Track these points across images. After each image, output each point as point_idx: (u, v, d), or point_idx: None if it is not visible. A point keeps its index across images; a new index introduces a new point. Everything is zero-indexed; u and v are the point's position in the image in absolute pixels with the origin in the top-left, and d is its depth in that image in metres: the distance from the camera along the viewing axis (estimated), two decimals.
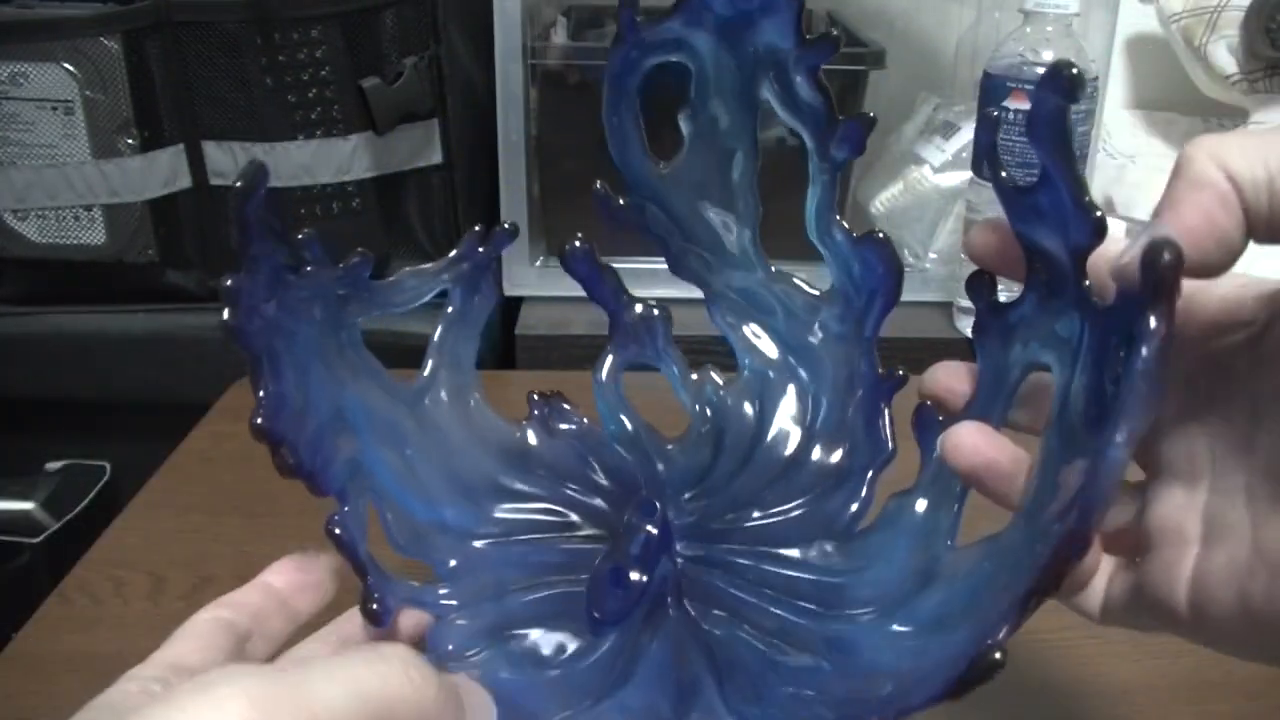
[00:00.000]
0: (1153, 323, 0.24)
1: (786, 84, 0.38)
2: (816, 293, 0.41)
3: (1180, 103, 1.26)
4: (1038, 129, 0.29)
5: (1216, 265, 0.25)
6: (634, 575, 0.34)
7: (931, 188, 0.97)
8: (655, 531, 0.35)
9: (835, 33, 0.37)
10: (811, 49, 0.37)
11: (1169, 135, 1.24)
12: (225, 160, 0.86)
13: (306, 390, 0.31)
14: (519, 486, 0.39)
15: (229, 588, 0.51)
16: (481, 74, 0.93)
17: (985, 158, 0.33)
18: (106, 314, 0.91)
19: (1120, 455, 0.24)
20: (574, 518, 0.39)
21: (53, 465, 0.94)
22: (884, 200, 1.00)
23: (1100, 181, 1.13)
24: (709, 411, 0.42)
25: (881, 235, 0.39)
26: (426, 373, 0.39)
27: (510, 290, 0.88)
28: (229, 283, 0.30)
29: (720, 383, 0.43)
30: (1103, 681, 0.46)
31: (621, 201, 0.41)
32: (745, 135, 0.40)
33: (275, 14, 0.81)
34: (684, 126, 0.41)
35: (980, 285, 0.35)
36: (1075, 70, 0.27)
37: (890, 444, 0.40)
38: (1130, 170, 1.16)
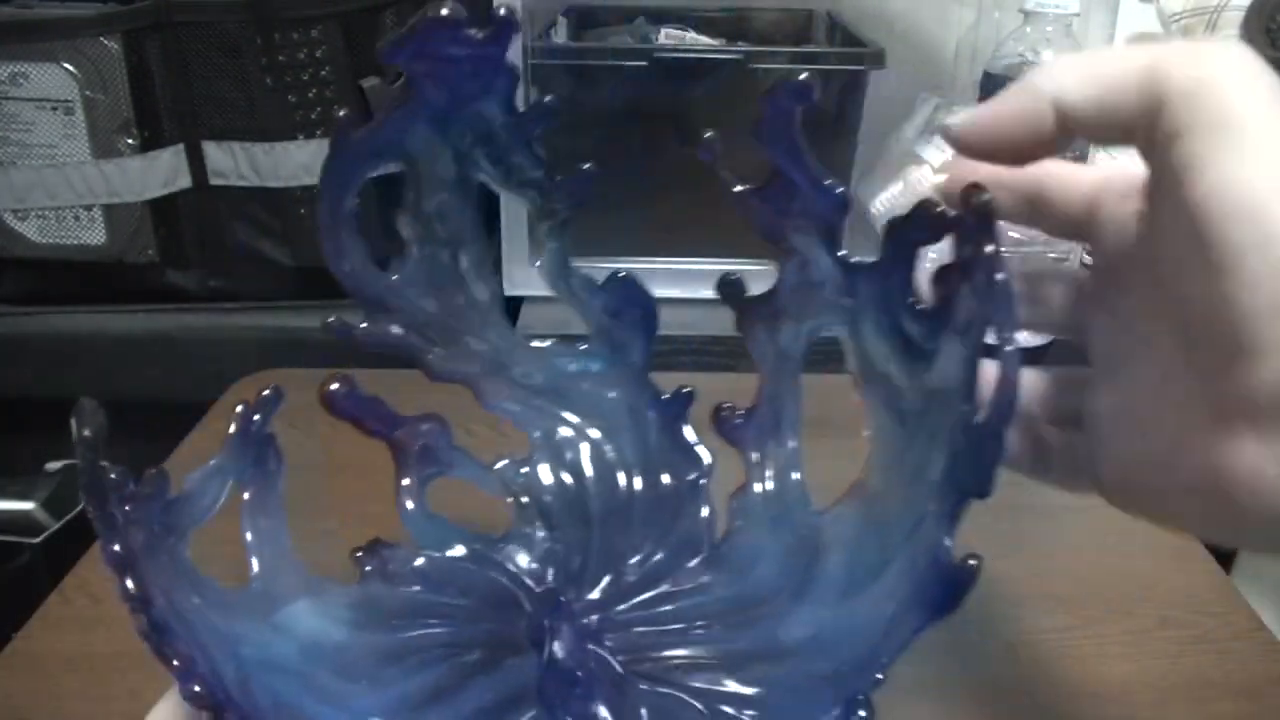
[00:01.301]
0: (988, 246, 0.27)
1: (502, 160, 0.38)
2: (578, 346, 0.42)
3: None
4: (768, 134, 0.33)
5: (1024, 144, 0.27)
6: (579, 673, 0.34)
7: (931, 188, 0.96)
8: (570, 628, 0.35)
9: (549, 99, 0.38)
10: (528, 118, 0.37)
11: None
12: (225, 160, 0.86)
13: (214, 665, 0.28)
14: (403, 648, 0.37)
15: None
16: None
17: (713, 173, 0.36)
18: (106, 314, 0.91)
19: (1017, 355, 0.26)
20: (470, 655, 0.37)
21: (53, 465, 0.94)
22: (884, 200, 1.00)
23: None
24: (524, 497, 0.42)
25: (623, 274, 0.41)
26: (255, 573, 0.35)
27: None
28: (146, 625, 0.25)
29: (518, 464, 0.43)
30: (1103, 681, 0.46)
31: (363, 325, 0.39)
32: (468, 222, 0.40)
33: (275, 14, 0.81)
34: (405, 230, 0.40)
35: (731, 285, 0.38)
36: (804, 77, 0.32)
37: (703, 454, 0.41)
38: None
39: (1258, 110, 0.23)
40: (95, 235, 0.87)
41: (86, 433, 0.27)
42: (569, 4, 1.08)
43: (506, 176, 0.39)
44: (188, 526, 0.32)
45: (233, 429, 0.35)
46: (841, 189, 0.33)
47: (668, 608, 0.39)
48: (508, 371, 0.42)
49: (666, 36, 1.04)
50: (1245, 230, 0.22)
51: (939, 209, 0.30)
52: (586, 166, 0.39)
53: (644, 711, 0.34)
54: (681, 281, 0.87)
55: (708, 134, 0.36)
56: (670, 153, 0.98)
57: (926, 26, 1.12)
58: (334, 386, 0.39)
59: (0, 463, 0.94)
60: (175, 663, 0.26)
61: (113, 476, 0.28)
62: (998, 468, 0.26)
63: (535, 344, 0.42)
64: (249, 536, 0.36)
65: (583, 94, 0.94)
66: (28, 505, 0.89)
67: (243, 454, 0.35)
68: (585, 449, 0.43)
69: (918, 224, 0.31)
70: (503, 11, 0.35)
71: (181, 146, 0.86)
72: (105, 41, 0.81)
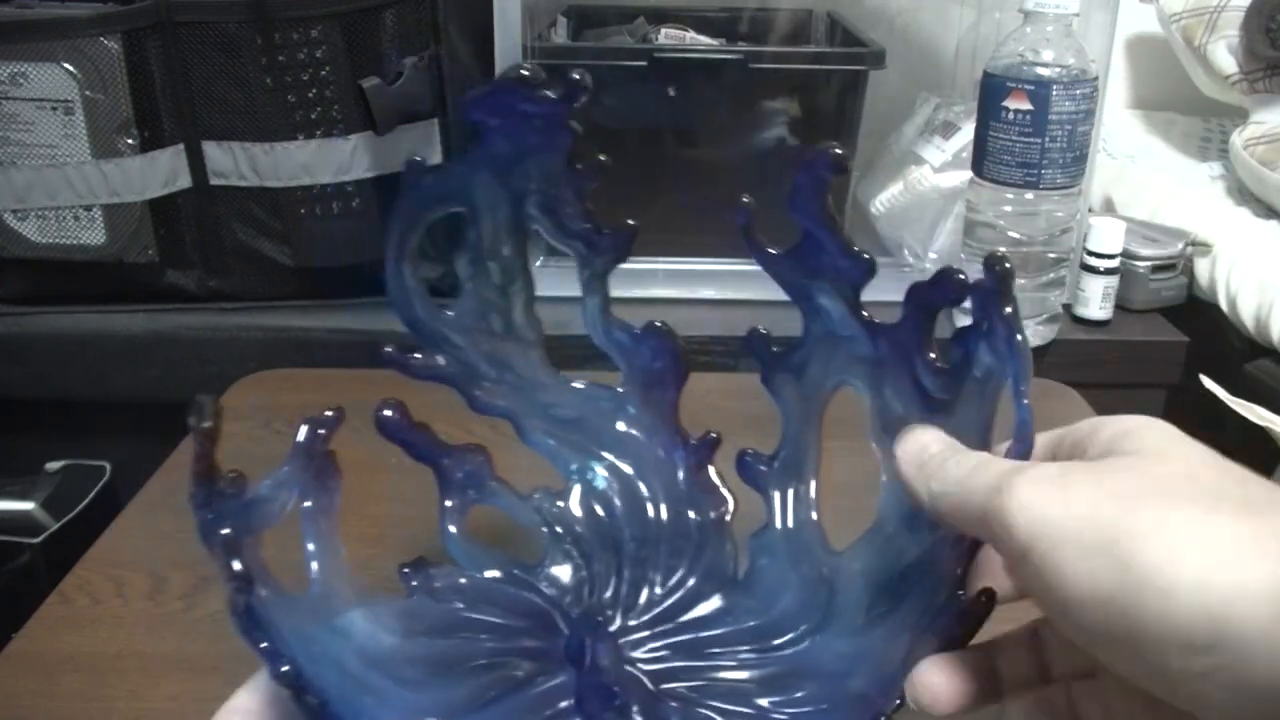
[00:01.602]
0: (1007, 308, 0.31)
1: (553, 211, 0.42)
2: (614, 388, 0.45)
3: (1180, 103, 1.26)
4: (800, 201, 0.36)
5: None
6: (616, 688, 0.36)
7: (931, 188, 0.97)
8: (610, 649, 0.38)
9: (604, 158, 0.40)
10: (580, 174, 0.41)
11: (1169, 135, 1.24)
12: (225, 160, 0.86)
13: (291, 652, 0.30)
14: (446, 655, 0.39)
15: None
16: (481, 74, 0.93)
17: (750, 244, 0.39)
18: (106, 314, 0.91)
19: (1030, 408, 0.30)
20: (514, 668, 0.39)
21: (53, 465, 0.94)
22: (884, 200, 1.00)
23: (1100, 181, 1.13)
24: (556, 525, 0.45)
25: (660, 324, 0.43)
26: (316, 581, 0.37)
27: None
28: (244, 606, 0.29)
29: (553, 496, 0.45)
30: None
31: (417, 356, 0.42)
32: (519, 266, 0.43)
33: (275, 14, 0.81)
34: (462, 271, 0.43)
35: (758, 340, 0.42)
36: (838, 150, 0.35)
37: (726, 494, 0.44)
38: (1130, 170, 1.16)
39: (1049, 530, 0.27)
40: (95, 235, 0.87)
41: (205, 425, 0.30)
42: (569, 4, 1.08)
43: (557, 226, 0.42)
44: (260, 528, 0.33)
45: (300, 439, 0.37)
46: (869, 256, 0.36)
47: (694, 635, 0.41)
48: (548, 409, 0.45)
49: (666, 36, 1.05)
50: (1102, 616, 0.26)
51: (960, 275, 0.33)
52: (631, 223, 0.42)
53: None
54: (681, 281, 0.87)
55: (744, 199, 0.39)
56: (670, 153, 0.98)
57: (926, 26, 1.12)
58: (387, 413, 0.42)
59: (0, 463, 0.94)
60: (264, 645, 0.28)
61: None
62: None
63: (575, 384, 0.45)
64: (310, 545, 0.37)
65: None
66: (28, 505, 0.89)
67: (307, 468, 0.37)
68: (617, 484, 0.45)
69: (940, 287, 0.34)
70: (576, 75, 0.38)
71: (181, 146, 0.86)
72: (105, 41, 0.81)
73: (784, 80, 0.94)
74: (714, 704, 0.37)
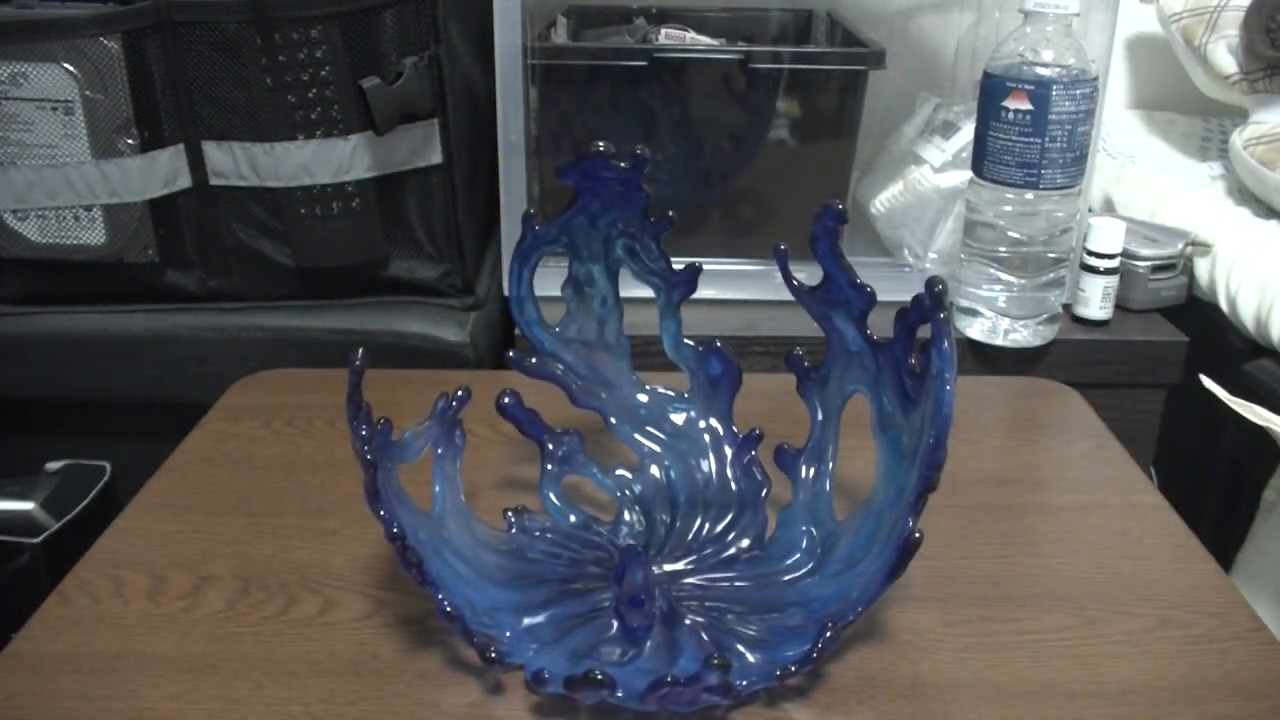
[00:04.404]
0: (943, 317, 0.42)
1: (636, 253, 0.54)
2: (682, 394, 0.57)
3: (1180, 103, 1.26)
4: (819, 247, 0.48)
5: None
6: (644, 597, 0.47)
7: (931, 188, 0.97)
8: (644, 570, 0.48)
9: (671, 214, 0.51)
10: (654, 224, 0.52)
11: (1169, 135, 1.24)
12: (225, 160, 0.86)
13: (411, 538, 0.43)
14: (528, 571, 0.51)
15: (229, 588, 0.51)
16: (481, 74, 0.93)
17: (786, 279, 0.50)
18: (106, 314, 0.91)
19: (952, 391, 0.40)
20: (576, 584, 0.51)
21: (53, 465, 0.94)
22: (884, 200, 1.00)
23: (1100, 181, 1.13)
24: (628, 490, 0.57)
25: (719, 345, 0.56)
26: (438, 506, 0.49)
27: (510, 289, 0.88)
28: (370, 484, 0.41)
29: (629, 470, 0.57)
30: (1103, 681, 0.46)
31: (533, 360, 0.55)
32: (612, 295, 0.55)
33: (275, 14, 0.81)
34: (568, 299, 0.55)
35: (795, 360, 0.53)
36: (841, 206, 0.47)
37: (763, 478, 0.55)
38: (1130, 170, 1.16)
39: None
40: (95, 235, 0.87)
41: (358, 364, 0.42)
42: (569, 4, 1.08)
43: (639, 265, 0.54)
44: (399, 461, 0.46)
45: (436, 410, 0.49)
46: (870, 288, 0.47)
47: (719, 573, 0.52)
48: (630, 408, 0.57)
49: (666, 36, 1.05)
50: None
51: (935, 290, 0.43)
52: (698, 264, 0.53)
53: (687, 621, 0.47)
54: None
55: (782, 246, 0.50)
56: (670, 154, 0.98)
57: (926, 26, 1.12)
58: (506, 400, 0.55)
59: (0, 463, 0.94)
60: (381, 512, 0.41)
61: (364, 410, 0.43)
62: (941, 469, 0.40)
63: (652, 388, 0.57)
64: (437, 485, 0.49)
65: (583, 93, 0.94)
66: (28, 505, 0.89)
67: (440, 427, 0.49)
68: (679, 464, 0.57)
69: (916, 310, 0.44)
70: (640, 151, 0.50)
71: (181, 146, 0.86)
72: (105, 41, 0.81)
73: (784, 80, 0.94)
74: (716, 615, 0.48)
